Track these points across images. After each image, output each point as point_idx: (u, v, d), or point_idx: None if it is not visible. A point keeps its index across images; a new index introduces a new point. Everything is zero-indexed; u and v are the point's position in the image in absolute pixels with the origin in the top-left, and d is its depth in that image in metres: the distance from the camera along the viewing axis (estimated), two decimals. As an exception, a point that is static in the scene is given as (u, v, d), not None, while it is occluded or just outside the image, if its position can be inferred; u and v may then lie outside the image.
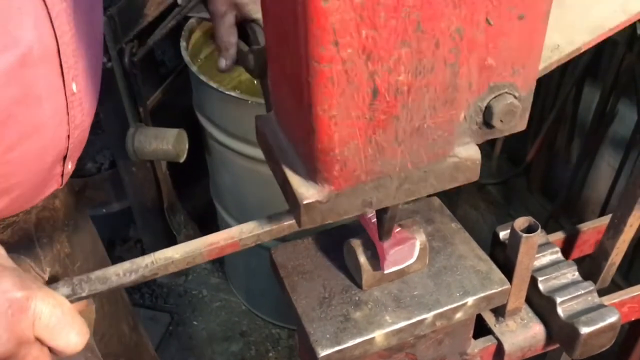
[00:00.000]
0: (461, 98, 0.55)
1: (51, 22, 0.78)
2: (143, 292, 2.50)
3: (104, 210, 2.52)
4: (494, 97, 0.57)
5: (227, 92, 1.67)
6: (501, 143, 2.28)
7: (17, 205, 0.90)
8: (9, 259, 0.60)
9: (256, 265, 2.17)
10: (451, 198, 2.68)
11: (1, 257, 0.59)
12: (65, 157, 0.91)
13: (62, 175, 0.94)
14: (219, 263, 2.58)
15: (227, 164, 1.92)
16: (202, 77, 1.73)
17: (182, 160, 1.95)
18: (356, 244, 0.74)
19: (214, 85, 1.69)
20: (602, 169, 2.02)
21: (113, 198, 2.51)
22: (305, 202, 0.55)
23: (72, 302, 0.59)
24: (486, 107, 0.57)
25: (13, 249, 0.90)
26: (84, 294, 0.60)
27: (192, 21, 1.97)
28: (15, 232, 0.94)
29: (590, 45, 0.65)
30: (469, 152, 0.59)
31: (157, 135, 1.91)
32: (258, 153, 1.84)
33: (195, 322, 2.40)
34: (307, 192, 0.56)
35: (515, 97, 0.57)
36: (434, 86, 0.52)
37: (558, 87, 1.99)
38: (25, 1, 0.74)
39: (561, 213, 2.18)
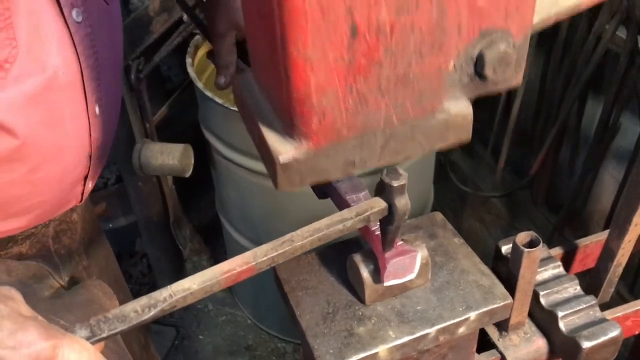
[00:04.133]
0: (450, 44, 0.51)
1: (75, 47, 0.79)
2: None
3: (110, 225, 2.54)
4: (486, 45, 0.52)
5: (232, 108, 1.69)
6: (505, 156, 2.29)
7: (36, 220, 0.92)
8: (28, 307, 0.59)
9: (262, 280, 2.17)
10: (456, 211, 2.68)
11: (21, 305, 0.58)
12: (86, 177, 0.93)
13: (82, 193, 0.96)
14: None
15: (232, 178, 1.94)
16: (208, 93, 1.75)
17: (188, 175, 1.97)
18: (359, 258, 0.75)
19: (220, 100, 1.71)
20: (606, 181, 2.02)
21: (119, 213, 2.53)
22: (282, 160, 0.51)
23: (92, 343, 0.59)
24: (478, 56, 0.52)
25: (32, 260, 0.92)
26: (103, 335, 0.60)
27: (197, 37, 1.99)
28: (34, 244, 0.96)
29: (593, 4, 0.63)
30: (460, 107, 0.54)
31: (163, 150, 1.93)
32: (263, 167, 1.85)
33: (201, 336, 2.40)
34: (284, 148, 0.51)
35: (508, 44, 0.53)
36: (419, 27, 0.48)
37: (561, 99, 2.00)
38: (51, 28, 0.76)
39: (566, 226, 2.18)
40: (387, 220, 0.68)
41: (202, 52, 2.04)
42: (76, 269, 1.05)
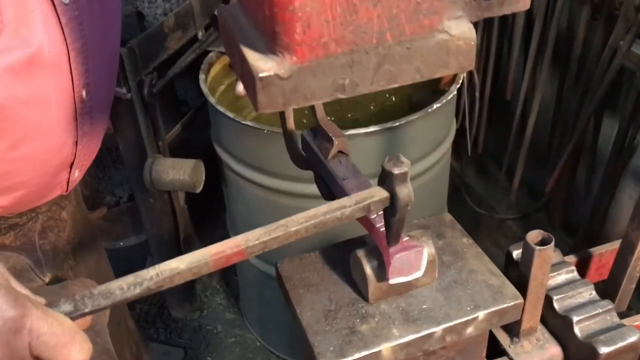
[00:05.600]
0: None
1: (61, 28, 0.80)
2: (157, 327, 2.48)
3: (122, 243, 2.53)
4: None
5: (243, 122, 1.69)
6: (520, 176, 2.25)
7: (20, 205, 0.91)
8: (6, 276, 0.58)
9: (271, 300, 2.14)
10: (471, 234, 2.64)
11: None
12: (72, 164, 0.92)
13: (68, 182, 0.95)
14: (234, 298, 2.55)
15: (242, 193, 1.93)
16: (220, 108, 1.75)
17: (198, 190, 1.96)
18: (362, 254, 0.72)
19: (231, 115, 1.71)
20: (624, 201, 1.97)
21: (131, 231, 2.52)
22: (261, 74, 0.47)
23: (74, 318, 0.57)
24: None
25: (14, 252, 0.90)
26: (87, 310, 0.58)
27: (211, 55, 2.01)
28: (18, 236, 0.95)
29: None
30: (462, 28, 0.49)
31: (174, 165, 1.93)
32: (273, 183, 1.85)
33: (209, 358, 2.36)
34: (265, 65, 0.47)
35: None
36: None
37: (576, 118, 1.97)
38: (37, 6, 0.77)
39: (583, 247, 2.13)
40: (390, 211, 0.65)
41: (215, 69, 2.05)
42: (60, 267, 1.03)
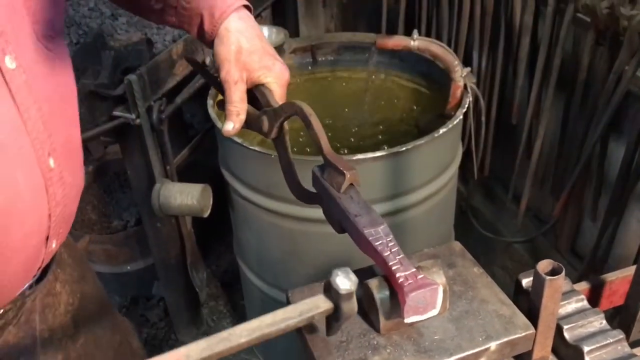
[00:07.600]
0: None
1: (12, 96, 0.73)
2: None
3: (129, 268, 2.54)
4: None
5: (251, 147, 1.70)
6: (526, 199, 2.25)
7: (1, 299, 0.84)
8: None
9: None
10: (478, 258, 2.63)
11: None
12: (47, 237, 0.84)
13: (44, 254, 0.87)
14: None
15: (249, 218, 1.93)
16: (227, 133, 1.76)
17: (206, 215, 1.96)
18: (373, 285, 0.72)
19: (238, 140, 1.72)
20: (632, 225, 1.97)
21: (138, 255, 2.53)
22: None
23: None
24: None
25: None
26: None
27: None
28: (21, 326, 0.89)
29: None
30: None
31: (182, 190, 1.93)
32: (279, 207, 1.85)
33: (215, 383, 2.35)
34: None
35: None
36: None
37: (582, 141, 1.97)
38: None
39: (591, 272, 2.12)
40: (333, 317, 0.65)
41: (222, 94, 2.06)
42: (59, 345, 0.96)
